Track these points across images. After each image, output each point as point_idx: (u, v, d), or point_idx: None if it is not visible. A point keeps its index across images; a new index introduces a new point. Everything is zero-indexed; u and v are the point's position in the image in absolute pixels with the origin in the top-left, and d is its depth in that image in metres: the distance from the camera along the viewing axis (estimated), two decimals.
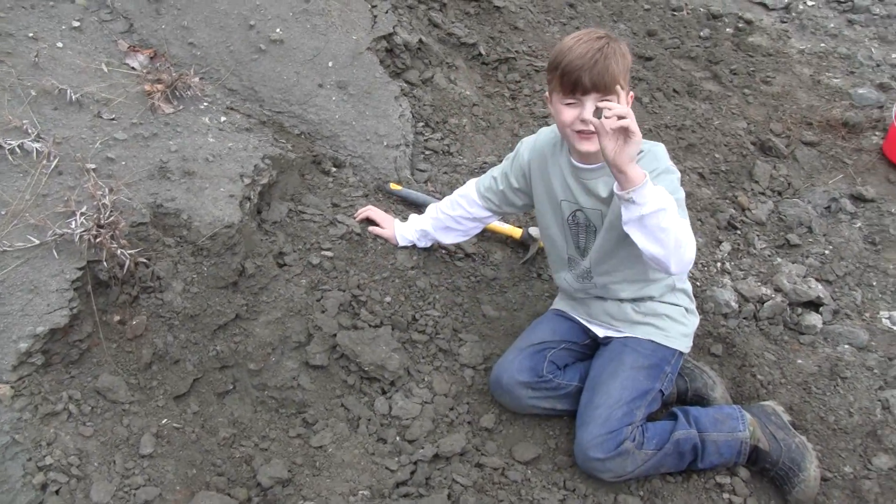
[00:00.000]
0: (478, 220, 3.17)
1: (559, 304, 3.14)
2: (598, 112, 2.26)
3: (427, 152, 3.92)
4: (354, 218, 3.31)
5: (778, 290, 3.60)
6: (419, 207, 3.52)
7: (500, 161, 3.65)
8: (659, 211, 2.29)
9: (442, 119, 4.10)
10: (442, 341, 3.10)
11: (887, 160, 4.52)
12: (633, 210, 2.32)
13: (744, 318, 3.46)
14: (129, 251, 2.69)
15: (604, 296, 2.92)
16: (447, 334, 3.12)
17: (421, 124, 4.00)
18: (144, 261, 2.75)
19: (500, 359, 2.94)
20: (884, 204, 4.20)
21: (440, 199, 3.50)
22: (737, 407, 2.93)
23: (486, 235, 3.49)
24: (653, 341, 2.87)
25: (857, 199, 4.25)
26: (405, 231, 3.23)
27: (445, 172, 3.87)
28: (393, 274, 3.20)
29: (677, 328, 2.90)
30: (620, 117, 2.22)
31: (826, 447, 2.99)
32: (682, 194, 2.52)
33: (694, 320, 2.96)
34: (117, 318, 2.70)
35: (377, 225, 3.30)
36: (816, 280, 3.69)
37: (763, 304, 3.52)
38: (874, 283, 3.77)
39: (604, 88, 2.44)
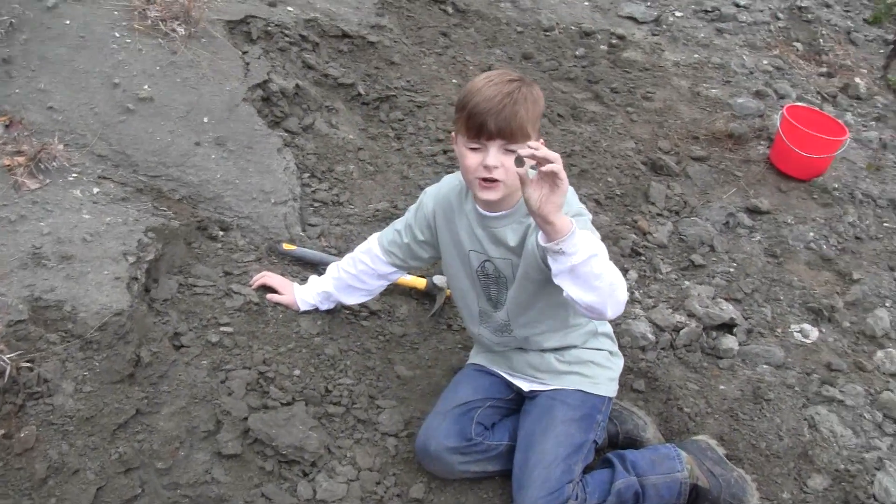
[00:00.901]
0: (382, 277, 3.10)
1: (477, 357, 3.08)
2: (519, 160, 2.13)
3: (316, 204, 3.83)
4: (250, 286, 3.15)
5: (691, 315, 3.64)
6: (316, 267, 3.44)
7: (393, 206, 3.72)
8: (591, 258, 2.17)
9: (328, 167, 4.01)
10: (359, 411, 3.00)
11: (775, 169, 4.66)
12: (563, 261, 2.21)
13: (661, 349, 3.48)
14: (9, 355, 2.51)
15: (525, 347, 2.88)
16: (364, 403, 3.03)
17: (307, 175, 3.91)
18: (27, 364, 2.56)
19: (425, 424, 2.86)
20: (779, 214, 4.31)
21: (336, 254, 3.45)
22: (671, 446, 2.94)
23: (388, 289, 3.40)
24: (581, 391, 2.84)
25: (753, 211, 4.34)
26: (305, 295, 3.13)
27: (337, 224, 3.78)
28: (299, 343, 3.09)
29: (604, 373, 2.89)
30: (546, 161, 2.08)
31: (762, 475, 3.03)
32: (598, 236, 2.46)
33: (619, 363, 2.97)
34: (2, 431, 2.49)
35: (275, 292, 3.17)
36: (726, 300, 3.74)
37: (679, 331, 3.55)
38: (781, 297, 3.85)
39: (510, 135, 2.37)
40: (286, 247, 3.50)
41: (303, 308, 3.17)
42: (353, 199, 3.95)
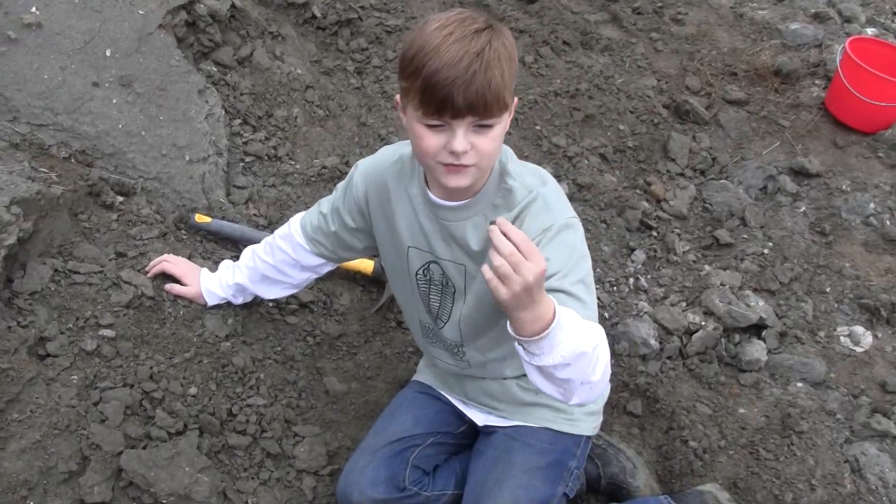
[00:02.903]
0: (308, 270, 2.74)
1: (424, 374, 2.77)
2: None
3: (247, 159, 3.48)
4: (145, 273, 2.73)
5: (708, 313, 3.30)
6: (237, 245, 3.12)
7: (344, 163, 3.49)
8: (564, 366, 1.85)
9: (265, 112, 3.64)
10: (270, 442, 2.68)
11: (832, 118, 4.30)
12: (529, 356, 1.88)
13: (667, 358, 3.16)
14: None
15: (481, 375, 2.56)
16: (277, 430, 2.71)
17: (238, 122, 3.55)
18: None
19: (348, 465, 2.56)
20: (832, 178, 3.96)
21: (265, 227, 3.17)
22: (665, 498, 2.67)
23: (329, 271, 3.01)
24: (550, 429, 2.52)
25: (799, 173, 4.01)
26: (213, 286, 2.79)
27: (273, 185, 3.43)
28: (200, 351, 2.75)
29: (581, 406, 2.49)
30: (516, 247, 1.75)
31: None
32: (588, 264, 2.15)
33: (604, 390, 2.53)
34: None
35: (176, 281, 2.82)
36: (755, 292, 3.42)
37: (691, 335, 3.22)
38: (827, 289, 3.51)
39: (483, 110, 1.96)
40: (199, 219, 3.15)
41: (210, 302, 2.82)
42: (296, 152, 3.58)
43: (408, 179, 2.34)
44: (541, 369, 1.88)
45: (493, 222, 1.76)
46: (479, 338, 2.42)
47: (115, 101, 3.23)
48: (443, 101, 1.93)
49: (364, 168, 2.47)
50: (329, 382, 2.93)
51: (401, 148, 2.38)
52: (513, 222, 2.04)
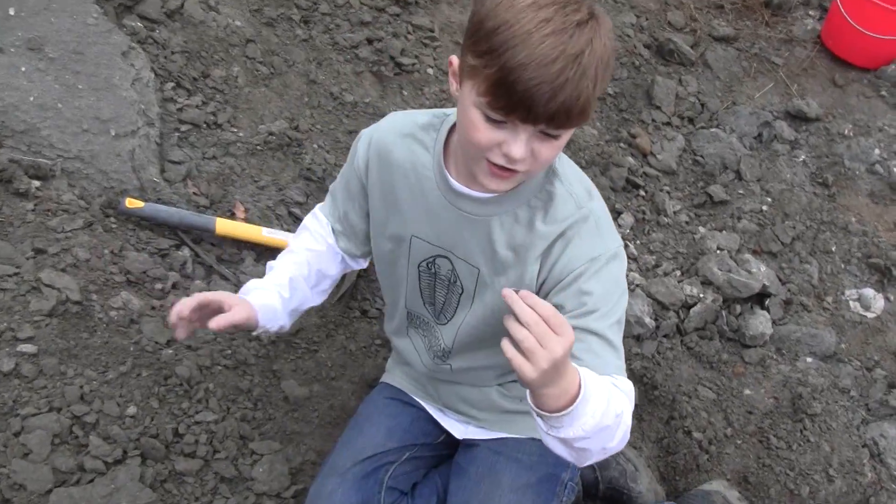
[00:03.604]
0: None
1: (394, 375, 2.57)
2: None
3: (183, 129, 3.25)
4: (174, 323, 2.13)
5: (707, 283, 3.20)
6: (178, 232, 2.98)
7: (294, 128, 3.35)
8: (584, 438, 1.72)
9: (201, 73, 3.41)
10: (224, 463, 2.51)
11: (829, 53, 4.26)
12: (546, 427, 1.74)
13: (664, 337, 3.07)
14: None
15: (457, 381, 2.40)
16: (231, 449, 2.54)
17: (170, 86, 3.31)
18: None
19: (314, 489, 2.36)
20: (832, 122, 3.92)
21: (207, 208, 3.01)
22: (671, 502, 2.60)
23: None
24: (538, 439, 2.29)
25: (797, 118, 3.98)
26: (265, 295, 2.26)
27: (213, 157, 3.21)
28: (137, 362, 2.57)
29: None
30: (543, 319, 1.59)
31: None
32: (626, 302, 2.00)
33: None
34: None
35: (218, 309, 2.19)
36: (755, 254, 3.36)
37: (689, 310, 3.12)
38: (833, 248, 3.47)
39: (563, 121, 1.73)
40: (130, 203, 2.95)
41: (269, 326, 2.27)
42: (238, 117, 3.38)
43: (422, 157, 2.11)
44: (564, 442, 1.77)
45: (515, 291, 1.61)
46: (474, 350, 2.26)
47: (23, 68, 3.05)
48: (518, 103, 1.70)
49: (368, 136, 2.22)
50: (288, 387, 2.77)
51: (415, 117, 2.14)
52: (555, 241, 1.90)
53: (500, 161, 1.80)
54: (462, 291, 2.17)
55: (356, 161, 2.20)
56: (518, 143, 1.74)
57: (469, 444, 2.43)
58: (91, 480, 2.35)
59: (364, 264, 2.46)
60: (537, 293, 1.92)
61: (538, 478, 2.32)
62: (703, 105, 3.89)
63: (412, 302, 2.30)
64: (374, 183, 2.19)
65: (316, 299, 2.36)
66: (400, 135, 2.12)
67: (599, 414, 1.72)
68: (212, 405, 2.61)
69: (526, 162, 1.78)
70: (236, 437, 2.59)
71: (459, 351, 2.29)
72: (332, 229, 2.32)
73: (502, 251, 2.00)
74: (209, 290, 2.33)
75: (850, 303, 3.22)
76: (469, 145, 1.85)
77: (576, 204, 1.94)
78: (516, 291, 1.58)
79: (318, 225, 2.36)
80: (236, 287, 2.70)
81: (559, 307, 1.84)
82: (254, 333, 2.40)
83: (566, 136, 1.75)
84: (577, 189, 1.97)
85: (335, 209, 2.31)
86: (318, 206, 2.41)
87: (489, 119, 1.75)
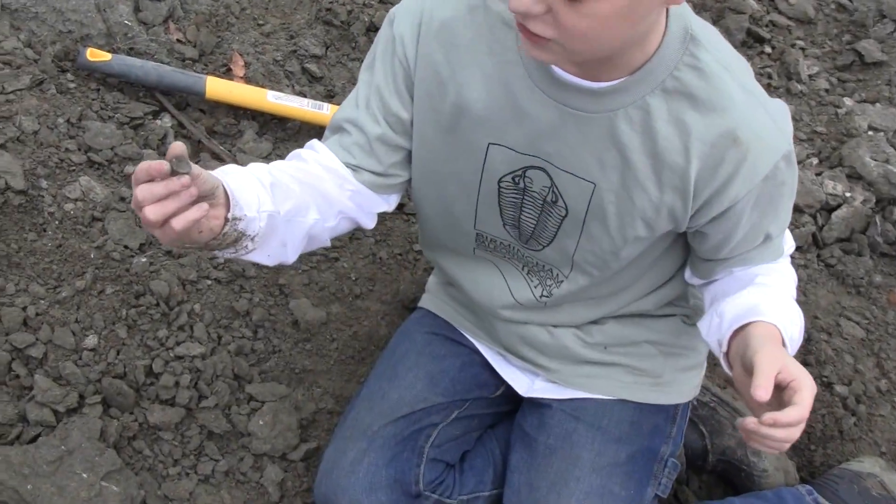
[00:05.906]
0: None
1: (439, 301, 2.32)
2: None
3: None
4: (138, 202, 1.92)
5: (854, 176, 2.97)
6: (155, 94, 2.79)
7: None
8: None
9: None
10: (211, 414, 2.29)
11: None
12: None
13: (797, 250, 2.80)
14: None
15: (540, 322, 2.15)
16: (222, 393, 2.31)
17: None
18: None
19: (331, 453, 2.12)
20: None
21: (189, 63, 2.84)
22: (807, 491, 2.30)
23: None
24: (629, 402, 2.17)
25: None
26: (244, 180, 1.90)
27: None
28: (100, 275, 2.40)
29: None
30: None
31: None
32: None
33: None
34: None
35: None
36: None
37: (831, 213, 2.92)
38: None
39: None
40: (93, 55, 2.75)
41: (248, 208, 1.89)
42: None
43: (502, 37, 1.82)
44: None
45: (753, 421, 1.60)
46: (611, 279, 2.03)
47: None
48: None
49: (413, 12, 1.87)
50: (297, 308, 2.54)
51: None
52: (722, 143, 1.66)
53: (518, 18, 1.62)
54: (567, 213, 1.90)
55: (400, 49, 1.87)
56: None
57: (537, 402, 2.20)
58: (34, 439, 2.14)
59: (389, 207, 2.04)
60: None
61: (628, 454, 2.10)
62: None
63: (485, 223, 2.04)
64: (429, 76, 1.88)
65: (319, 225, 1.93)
66: (467, 9, 1.83)
67: (796, 345, 1.82)
68: (198, 334, 2.40)
69: (542, 24, 1.54)
70: (229, 376, 2.37)
71: (579, 275, 2.03)
72: (347, 164, 1.94)
73: (635, 155, 1.73)
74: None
75: None
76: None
77: (742, 88, 1.70)
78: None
79: (320, 157, 1.95)
80: None
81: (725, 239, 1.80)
82: (223, 238, 1.84)
83: (601, 4, 1.46)
84: (735, 65, 1.73)
85: (361, 117, 1.91)
86: (314, 141, 2.00)
87: None
